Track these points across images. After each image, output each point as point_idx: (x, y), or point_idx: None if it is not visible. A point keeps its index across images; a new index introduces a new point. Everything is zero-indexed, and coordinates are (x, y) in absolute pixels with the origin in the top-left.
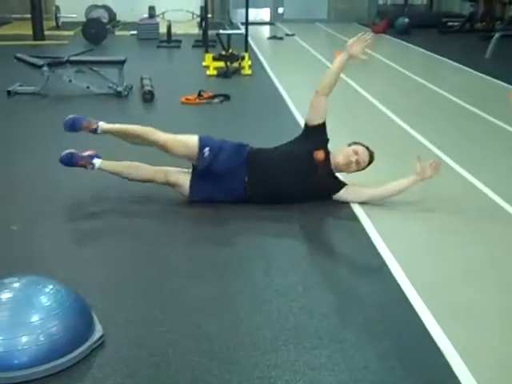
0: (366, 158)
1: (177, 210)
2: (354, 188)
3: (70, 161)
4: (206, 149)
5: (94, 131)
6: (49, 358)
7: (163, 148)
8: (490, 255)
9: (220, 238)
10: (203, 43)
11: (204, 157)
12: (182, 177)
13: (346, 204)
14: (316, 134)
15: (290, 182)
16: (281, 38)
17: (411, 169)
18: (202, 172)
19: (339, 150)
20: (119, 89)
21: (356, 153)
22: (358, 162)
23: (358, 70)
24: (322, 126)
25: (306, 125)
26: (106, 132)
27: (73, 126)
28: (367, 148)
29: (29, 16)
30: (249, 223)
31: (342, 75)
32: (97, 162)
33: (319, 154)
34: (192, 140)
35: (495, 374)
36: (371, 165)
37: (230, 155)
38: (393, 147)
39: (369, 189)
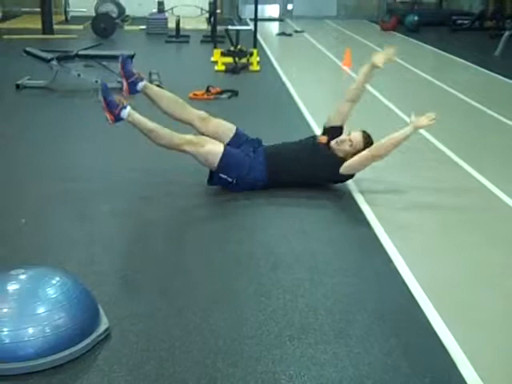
0: (360, 138)
1: (188, 205)
2: (356, 156)
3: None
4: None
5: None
6: (54, 350)
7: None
8: (497, 255)
9: (227, 234)
10: (212, 39)
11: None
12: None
13: (351, 200)
14: (330, 132)
15: (300, 163)
16: (290, 35)
17: (419, 165)
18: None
19: None
20: None
21: (348, 135)
22: (350, 140)
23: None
24: (339, 128)
25: (324, 126)
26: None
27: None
28: (362, 131)
29: (38, 10)
30: (256, 220)
31: (352, 73)
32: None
33: (322, 138)
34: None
35: (500, 372)
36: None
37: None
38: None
39: (369, 151)
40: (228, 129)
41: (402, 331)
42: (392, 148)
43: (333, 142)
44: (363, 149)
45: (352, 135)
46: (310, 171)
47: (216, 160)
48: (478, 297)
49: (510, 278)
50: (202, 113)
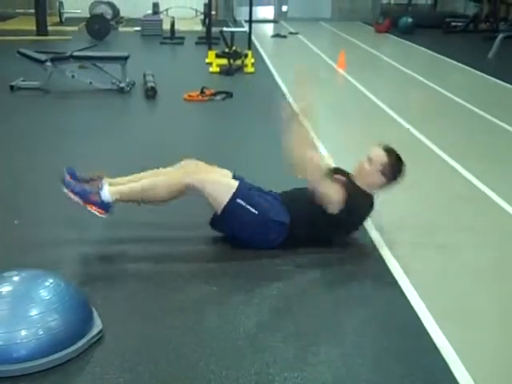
0: (382, 156)
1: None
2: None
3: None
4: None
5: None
6: (48, 352)
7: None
8: (490, 256)
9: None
10: (206, 40)
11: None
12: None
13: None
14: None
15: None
16: (284, 37)
17: (413, 167)
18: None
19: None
20: (122, 85)
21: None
22: (369, 159)
23: (362, 70)
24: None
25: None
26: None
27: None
28: (386, 149)
29: (32, 11)
30: None
31: (346, 75)
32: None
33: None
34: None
35: (492, 373)
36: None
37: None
38: (394, 147)
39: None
40: (225, 174)
41: (395, 332)
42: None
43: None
44: (391, 168)
45: (372, 153)
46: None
47: (232, 187)
48: (470, 298)
49: (503, 280)
50: (188, 162)
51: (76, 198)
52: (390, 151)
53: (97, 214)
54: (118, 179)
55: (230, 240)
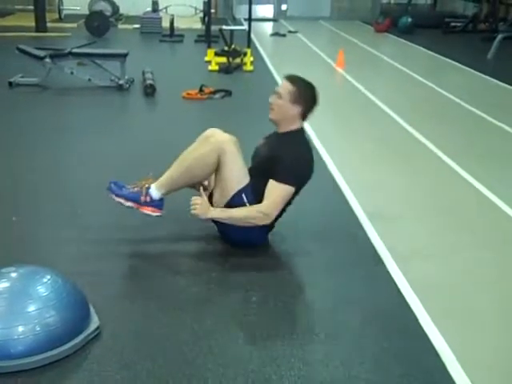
0: (288, 86)
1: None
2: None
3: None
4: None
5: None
6: (45, 348)
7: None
8: (489, 257)
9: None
10: (206, 38)
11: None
12: None
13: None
14: None
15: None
16: (283, 35)
17: (412, 169)
18: None
19: None
20: (121, 82)
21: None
22: (278, 94)
23: (361, 69)
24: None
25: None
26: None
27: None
28: (289, 77)
29: (32, 7)
30: None
31: (345, 74)
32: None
33: None
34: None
35: (489, 375)
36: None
37: None
38: (394, 147)
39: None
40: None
41: (393, 332)
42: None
43: None
44: (295, 90)
45: (279, 88)
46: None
47: (243, 182)
48: (469, 299)
49: (501, 281)
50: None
51: (128, 203)
52: (293, 78)
53: (152, 214)
54: (162, 180)
55: (224, 238)
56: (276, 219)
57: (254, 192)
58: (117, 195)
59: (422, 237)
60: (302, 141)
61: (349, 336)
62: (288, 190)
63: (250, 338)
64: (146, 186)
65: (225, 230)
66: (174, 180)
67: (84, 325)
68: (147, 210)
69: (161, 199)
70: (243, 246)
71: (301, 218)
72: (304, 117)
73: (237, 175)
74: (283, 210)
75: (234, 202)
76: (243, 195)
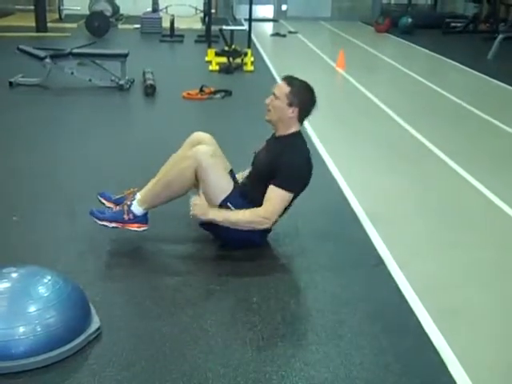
0: (284, 87)
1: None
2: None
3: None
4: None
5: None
6: (45, 349)
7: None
8: (488, 256)
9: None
10: (206, 38)
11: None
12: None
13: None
14: None
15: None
16: (284, 36)
17: (413, 169)
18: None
19: None
20: (121, 82)
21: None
22: (275, 96)
23: (361, 70)
24: None
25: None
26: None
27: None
28: (286, 79)
29: (32, 8)
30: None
31: (345, 74)
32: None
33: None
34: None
35: (489, 373)
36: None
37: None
38: (394, 148)
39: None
40: (226, 167)
41: (393, 332)
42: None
43: None
44: (292, 91)
45: (275, 89)
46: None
47: (227, 191)
48: (468, 297)
49: (500, 279)
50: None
51: (112, 224)
52: (290, 79)
53: (138, 230)
54: (146, 190)
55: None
56: (275, 222)
57: (247, 197)
58: (100, 219)
59: (423, 236)
60: (299, 145)
61: (349, 336)
62: (287, 195)
63: (250, 338)
64: (128, 203)
65: (221, 234)
66: (154, 196)
67: (85, 325)
68: (132, 227)
69: (144, 214)
70: (241, 248)
71: (301, 218)
72: (301, 119)
73: (218, 186)
74: (283, 212)
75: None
76: (229, 204)
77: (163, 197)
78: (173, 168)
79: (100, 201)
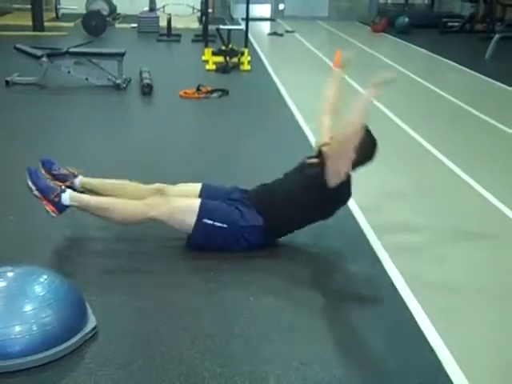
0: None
1: None
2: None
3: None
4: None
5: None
6: (41, 348)
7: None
8: (485, 257)
9: None
10: (203, 38)
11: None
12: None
13: None
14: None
15: (294, 202)
16: (281, 35)
17: (410, 168)
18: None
19: None
20: (118, 81)
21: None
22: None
23: (358, 69)
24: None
25: (315, 149)
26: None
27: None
28: None
29: (29, 7)
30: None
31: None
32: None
33: (311, 160)
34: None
35: (487, 373)
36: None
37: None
38: (392, 147)
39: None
40: (193, 190)
41: (391, 332)
42: (358, 113)
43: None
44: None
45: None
46: (307, 206)
47: (195, 209)
48: (464, 297)
49: (497, 280)
50: (157, 185)
51: (36, 193)
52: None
53: (50, 212)
54: (92, 180)
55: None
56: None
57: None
58: (32, 181)
59: (420, 235)
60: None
61: (346, 336)
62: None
63: (247, 337)
64: (62, 187)
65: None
66: (89, 206)
67: (81, 324)
68: (48, 207)
69: (67, 206)
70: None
71: None
72: (354, 166)
73: (185, 217)
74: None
75: (202, 229)
76: (204, 220)
77: (96, 213)
78: (131, 194)
79: (39, 166)
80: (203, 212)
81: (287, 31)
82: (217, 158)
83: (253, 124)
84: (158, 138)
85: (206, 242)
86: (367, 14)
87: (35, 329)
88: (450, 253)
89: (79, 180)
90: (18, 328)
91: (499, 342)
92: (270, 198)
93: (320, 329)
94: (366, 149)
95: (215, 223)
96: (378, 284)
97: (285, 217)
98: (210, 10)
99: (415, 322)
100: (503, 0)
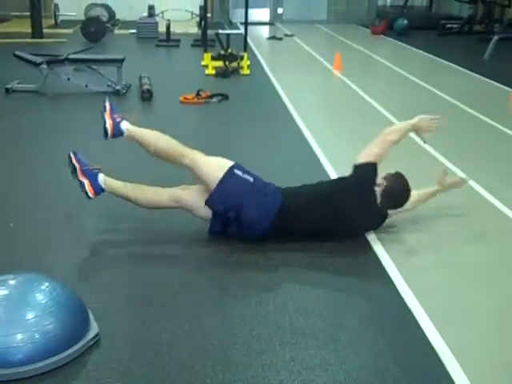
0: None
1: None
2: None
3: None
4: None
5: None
6: (44, 356)
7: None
8: (486, 257)
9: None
10: (202, 43)
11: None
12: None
13: None
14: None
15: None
16: (280, 39)
17: (409, 169)
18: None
19: None
20: (118, 87)
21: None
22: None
23: (357, 71)
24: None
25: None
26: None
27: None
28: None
29: (28, 14)
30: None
31: (342, 77)
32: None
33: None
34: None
35: (489, 374)
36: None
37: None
38: (392, 148)
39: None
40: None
41: (392, 334)
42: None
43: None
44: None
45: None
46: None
47: (228, 164)
48: (467, 298)
49: (498, 280)
50: (178, 188)
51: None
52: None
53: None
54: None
55: (222, 227)
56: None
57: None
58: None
59: (420, 236)
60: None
61: (347, 339)
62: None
63: (249, 342)
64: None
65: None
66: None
67: (83, 332)
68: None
69: (102, 188)
70: (244, 224)
71: None
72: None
73: (216, 171)
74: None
75: (230, 178)
76: (235, 170)
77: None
78: (155, 194)
79: (71, 156)
80: (237, 166)
81: (286, 35)
82: None
83: (253, 129)
84: None
85: (228, 195)
86: (366, 17)
87: (37, 336)
88: (450, 253)
89: (102, 177)
90: (20, 336)
91: (499, 342)
92: (301, 193)
93: (321, 334)
94: (396, 196)
95: (244, 175)
96: (378, 287)
97: (303, 208)
98: (208, 15)
99: (417, 324)
100: (501, 1)
